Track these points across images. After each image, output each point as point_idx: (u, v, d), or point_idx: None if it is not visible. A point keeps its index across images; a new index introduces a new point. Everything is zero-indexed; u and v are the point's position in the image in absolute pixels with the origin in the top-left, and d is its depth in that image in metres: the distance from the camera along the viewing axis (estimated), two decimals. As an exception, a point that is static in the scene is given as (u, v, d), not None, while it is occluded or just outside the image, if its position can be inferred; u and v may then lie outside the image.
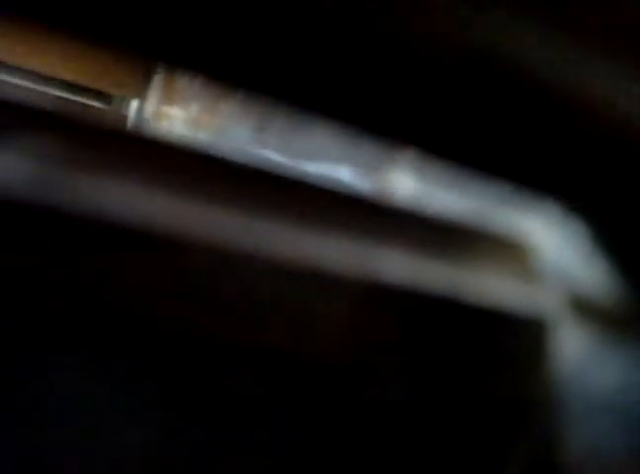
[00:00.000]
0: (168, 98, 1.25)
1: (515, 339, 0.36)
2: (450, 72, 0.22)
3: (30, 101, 0.31)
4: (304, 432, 0.35)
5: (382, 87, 0.23)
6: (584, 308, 0.36)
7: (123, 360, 0.31)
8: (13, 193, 0.28)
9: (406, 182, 0.43)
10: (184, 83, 1.21)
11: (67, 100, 1.31)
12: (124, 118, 1.33)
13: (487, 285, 0.36)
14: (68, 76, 1.29)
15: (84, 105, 1.35)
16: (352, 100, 0.24)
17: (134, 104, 1.33)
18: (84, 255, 0.29)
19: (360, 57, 0.22)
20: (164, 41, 0.22)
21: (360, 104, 0.24)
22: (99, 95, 1.35)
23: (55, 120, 0.32)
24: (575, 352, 0.36)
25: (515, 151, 0.26)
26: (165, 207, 0.31)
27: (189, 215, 0.31)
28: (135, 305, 0.30)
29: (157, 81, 1.30)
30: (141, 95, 1.32)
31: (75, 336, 0.30)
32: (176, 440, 0.32)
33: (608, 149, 0.26)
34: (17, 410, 0.29)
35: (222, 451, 0.33)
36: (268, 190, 0.34)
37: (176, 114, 1.20)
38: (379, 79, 0.23)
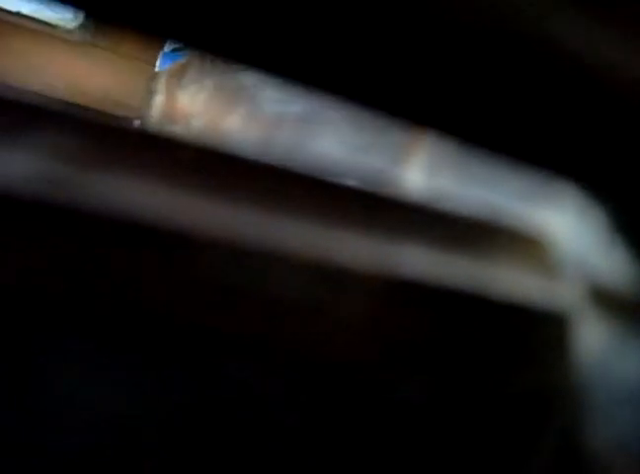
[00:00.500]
0: (169, 117, 1.26)
1: (536, 332, 0.36)
2: (472, 48, 0.22)
3: (40, 101, 0.31)
4: (321, 431, 0.34)
5: (401, 65, 0.23)
6: (605, 300, 0.36)
7: (132, 355, 0.31)
8: (23, 190, 0.28)
9: (423, 178, 0.43)
10: (185, 101, 1.21)
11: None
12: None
13: (507, 280, 0.36)
14: (69, 98, 1.29)
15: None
16: (371, 80, 0.24)
17: (137, 124, 1.34)
18: (95, 251, 0.29)
19: (381, 34, 0.22)
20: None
21: (380, 83, 0.24)
22: (100, 116, 1.35)
23: (65, 119, 0.32)
24: (597, 343, 0.36)
25: (537, 133, 0.26)
26: (178, 204, 0.31)
27: (202, 212, 0.31)
28: (147, 301, 0.30)
29: (158, 101, 1.31)
30: (143, 115, 1.33)
31: (83, 331, 0.29)
32: (183, 438, 0.32)
33: (632, 132, 0.26)
34: (21, 401, 0.29)
35: (231, 450, 0.33)
36: (284, 186, 0.34)
37: (178, 132, 1.21)
38: (400, 57, 0.22)
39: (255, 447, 0.33)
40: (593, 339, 0.36)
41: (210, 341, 0.31)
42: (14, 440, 0.29)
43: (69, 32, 1.41)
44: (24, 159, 0.29)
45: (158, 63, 1.34)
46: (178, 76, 1.22)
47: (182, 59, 1.23)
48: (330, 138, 0.58)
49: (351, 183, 0.37)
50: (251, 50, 0.23)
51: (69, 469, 0.30)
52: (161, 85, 1.30)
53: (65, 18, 1.40)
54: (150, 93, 1.31)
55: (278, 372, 0.33)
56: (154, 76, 1.32)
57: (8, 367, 0.29)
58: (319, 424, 0.34)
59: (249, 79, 0.92)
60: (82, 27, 1.41)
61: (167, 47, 1.34)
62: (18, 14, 1.36)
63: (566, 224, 0.37)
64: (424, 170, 0.43)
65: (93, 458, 0.30)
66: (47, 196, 0.28)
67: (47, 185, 0.28)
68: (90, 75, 1.29)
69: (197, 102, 1.10)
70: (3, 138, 0.29)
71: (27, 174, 0.28)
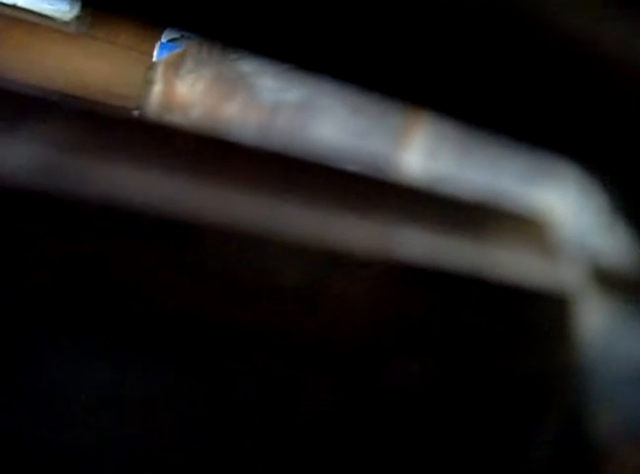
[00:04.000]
0: (167, 107, 1.25)
1: (538, 314, 0.36)
2: (470, 27, 0.22)
3: (38, 91, 0.31)
4: (327, 413, 0.35)
5: (400, 45, 0.23)
6: (606, 280, 0.36)
7: (138, 346, 0.31)
8: (24, 179, 0.28)
9: (422, 161, 0.43)
10: (182, 91, 1.21)
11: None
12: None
13: (508, 262, 0.36)
14: (67, 90, 1.29)
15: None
16: (366, 59, 0.24)
17: (135, 115, 1.33)
18: (94, 240, 0.29)
19: (380, 13, 0.22)
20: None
21: (378, 64, 0.23)
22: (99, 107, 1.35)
23: (65, 108, 0.32)
24: (599, 324, 0.36)
25: (537, 112, 0.26)
26: (178, 192, 0.31)
27: (203, 199, 0.31)
28: (148, 289, 0.30)
29: (156, 91, 1.30)
30: (141, 106, 1.32)
31: (87, 324, 0.29)
32: (189, 429, 0.32)
33: (633, 111, 0.26)
34: (25, 401, 0.29)
35: (234, 436, 0.33)
36: (284, 173, 0.34)
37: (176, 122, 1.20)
38: (397, 37, 0.22)
39: (265, 433, 0.33)
40: (594, 319, 0.36)
41: (217, 328, 0.31)
42: (19, 441, 0.29)
43: (66, 24, 1.40)
44: (23, 149, 0.29)
45: (155, 53, 1.34)
46: (175, 66, 1.22)
47: (179, 49, 1.22)
48: (329, 124, 0.57)
49: (350, 168, 0.36)
50: (248, 34, 0.23)
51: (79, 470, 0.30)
52: (159, 75, 1.29)
53: (61, 10, 1.39)
54: (148, 83, 1.31)
55: (281, 357, 0.33)
56: (151, 66, 1.32)
57: (8, 367, 0.29)
58: (322, 404, 0.34)
59: (246, 68, 0.92)
60: (78, 18, 1.40)
61: (164, 38, 1.34)
62: (14, 7, 1.36)
63: (566, 205, 0.37)
64: (423, 153, 0.43)
65: (102, 451, 0.30)
66: (46, 185, 0.28)
67: (46, 174, 0.28)
68: (87, 67, 1.29)
69: (194, 91, 1.10)
70: (2, 128, 0.29)
71: (26, 163, 0.28)
